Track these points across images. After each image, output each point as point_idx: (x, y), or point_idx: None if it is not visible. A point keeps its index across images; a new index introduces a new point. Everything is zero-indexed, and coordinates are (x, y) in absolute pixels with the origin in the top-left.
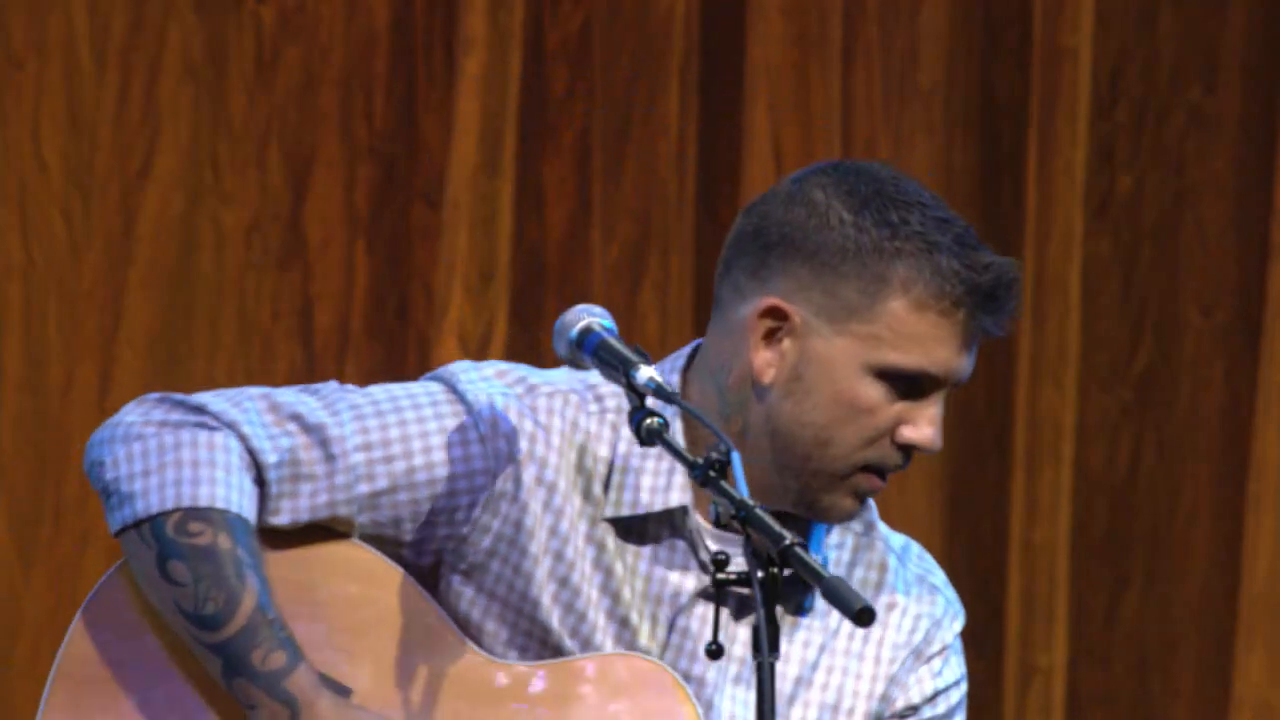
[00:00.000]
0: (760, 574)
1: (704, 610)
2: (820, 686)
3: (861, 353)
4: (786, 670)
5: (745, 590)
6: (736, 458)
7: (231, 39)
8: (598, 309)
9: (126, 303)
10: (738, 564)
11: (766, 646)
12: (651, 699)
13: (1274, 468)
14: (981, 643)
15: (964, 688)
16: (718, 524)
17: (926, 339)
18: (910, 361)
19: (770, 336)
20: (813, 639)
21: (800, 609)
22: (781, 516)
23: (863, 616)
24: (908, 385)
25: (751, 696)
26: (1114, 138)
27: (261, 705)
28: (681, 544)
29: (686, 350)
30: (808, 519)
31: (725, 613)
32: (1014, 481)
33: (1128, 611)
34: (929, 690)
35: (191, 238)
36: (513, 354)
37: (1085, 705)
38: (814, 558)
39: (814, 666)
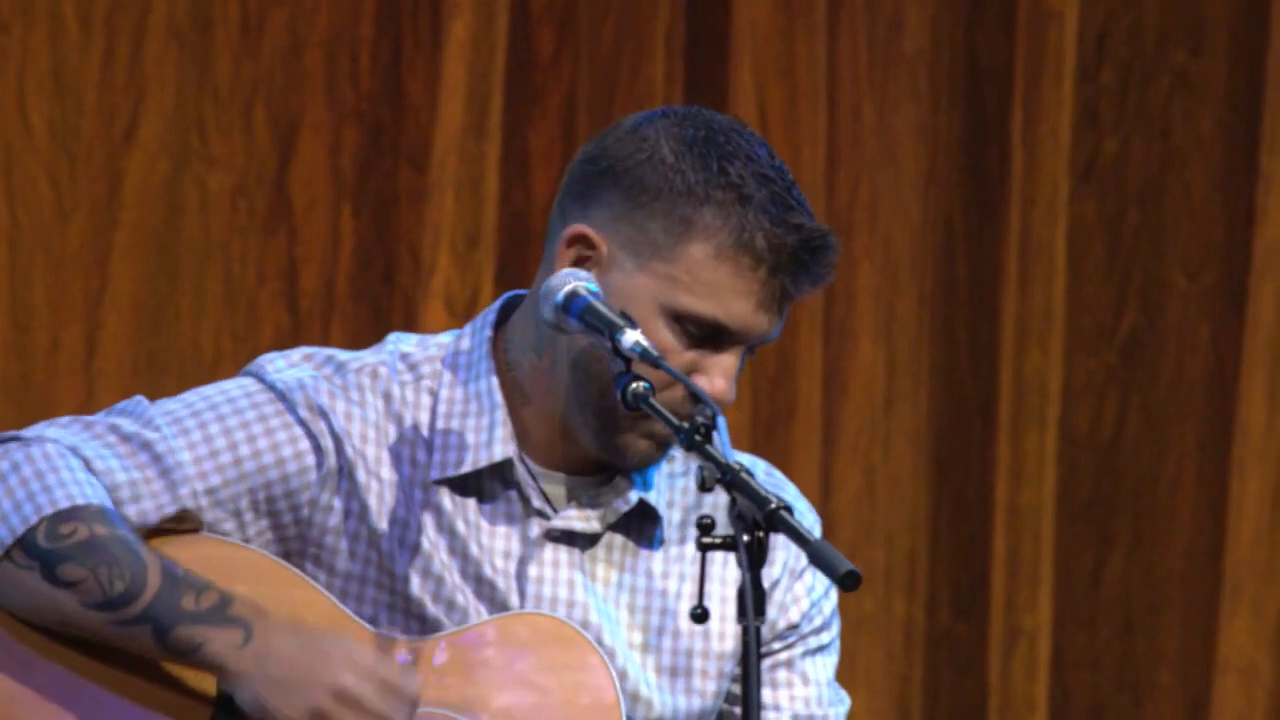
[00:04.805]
0: (745, 537)
1: (553, 554)
2: (687, 615)
3: (658, 292)
4: (651, 603)
5: (584, 527)
6: (722, 422)
7: (217, 2)
8: (583, 273)
9: (112, 266)
10: (569, 514)
11: (752, 610)
12: (557, 653)
13: (1259, 431)
14: (967, 605)
15: (834, 595)
16: (702, 488)
17: (723, 289)
18: (704, 309)
19: (578, 265)
20: (671, 570)
21: (654, 542)
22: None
23: (847, 580)
24: (702, 333)
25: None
26: (1099, 101)
27: (210, 638)
28: (515, 494)
29: (499, 302)
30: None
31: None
32: (999, 445)
33: (1113, 574)
34: (805, 605)
35: (177, 201)
36: None
37: (1070, 667)
38: (800, 522)
39: (678, 597)
